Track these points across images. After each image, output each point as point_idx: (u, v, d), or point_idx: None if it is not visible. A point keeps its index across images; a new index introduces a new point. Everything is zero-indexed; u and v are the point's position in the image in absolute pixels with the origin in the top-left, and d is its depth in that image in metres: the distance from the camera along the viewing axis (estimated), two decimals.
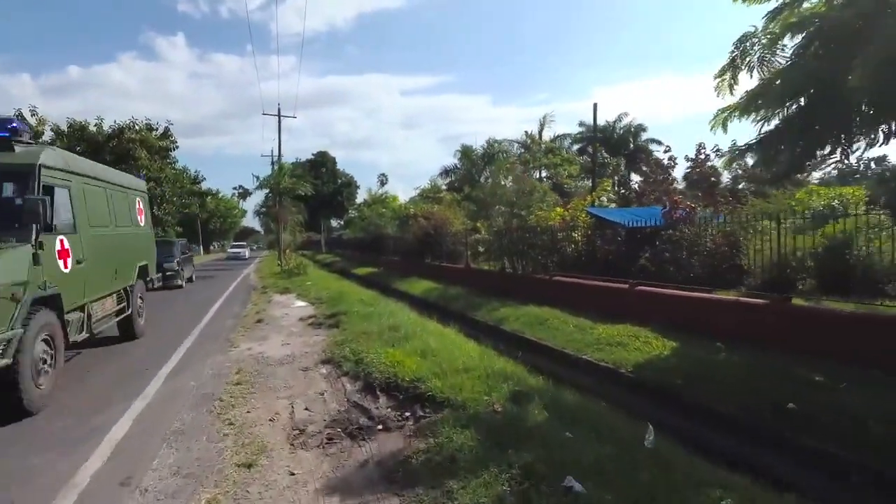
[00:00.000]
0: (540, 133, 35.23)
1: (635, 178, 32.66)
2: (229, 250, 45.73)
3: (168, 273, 15.10)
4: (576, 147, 36.49)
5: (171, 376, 5.41)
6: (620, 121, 37.76)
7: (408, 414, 4.30)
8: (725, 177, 19.56)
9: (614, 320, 8.32)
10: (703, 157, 19.78)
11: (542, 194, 13.79)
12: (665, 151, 19.33)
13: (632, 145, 37.31)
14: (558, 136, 35.72)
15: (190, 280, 18.14)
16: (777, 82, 6.48)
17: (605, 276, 11.00)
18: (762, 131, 6.58)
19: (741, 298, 7.15)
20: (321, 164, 61.93)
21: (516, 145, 30.92)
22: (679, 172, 18.58)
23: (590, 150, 29.87)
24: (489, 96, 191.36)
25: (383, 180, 52.11)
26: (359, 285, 17.20)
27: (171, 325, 8.99)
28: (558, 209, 12.55)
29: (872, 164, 31.62)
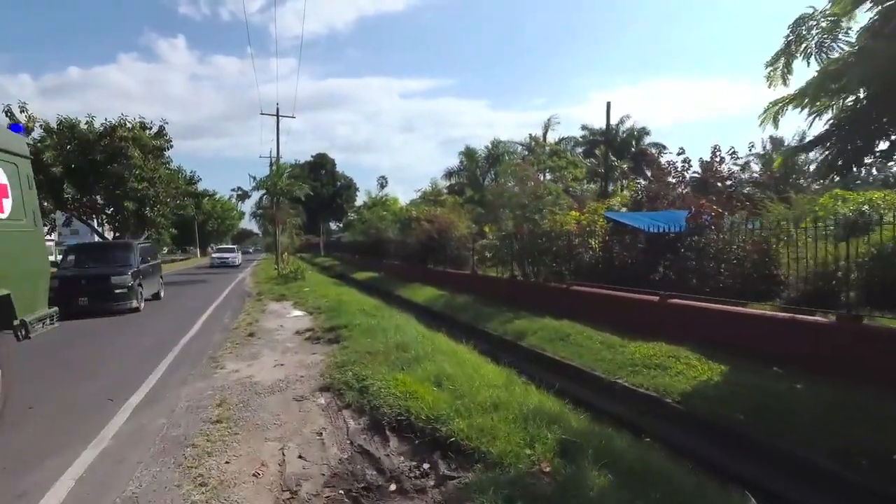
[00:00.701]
0: (544, 135, 34.48)
1: (642, 182, 31.94)
2: (213, 255, 34.75)
3: (117, 291, 10.93)
4: (579, 150, 35.77)
5: (139, 411, 4.52)
6: (623, 124, 37.01)
7: (427, 466, 3.43)
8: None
9: (644, 337, 7.48)
10: (718, 159, 19.07)
11: (555, 197, 12.93)
12: (678, 154, 18.57)
13: (633, 149, 36.62)
14: (563, 139, 34.98)
15: (156, 297, 13.24)
16: (840, 69, 5.66)
17: (622, 285, 10.19)
18: (829, 123, 5.76)
19: (798, 316, 6.30)
20: (320, 166, 61.11)
21: (520, 147, 30.13)
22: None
23: (597, 152, 29.11)
24: (487, 100, 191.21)
25: (383, 183, 51.29)
26: (359, 292, 16.33)
27: (150, 338, 8.11)
28: (573, 213, 11.72)
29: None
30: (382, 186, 49.34)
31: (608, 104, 16.75)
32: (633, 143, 37.31)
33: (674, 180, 17.17)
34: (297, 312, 10.63)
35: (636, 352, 6.92)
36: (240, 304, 12.32)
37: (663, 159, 35.59)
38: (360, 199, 55.68)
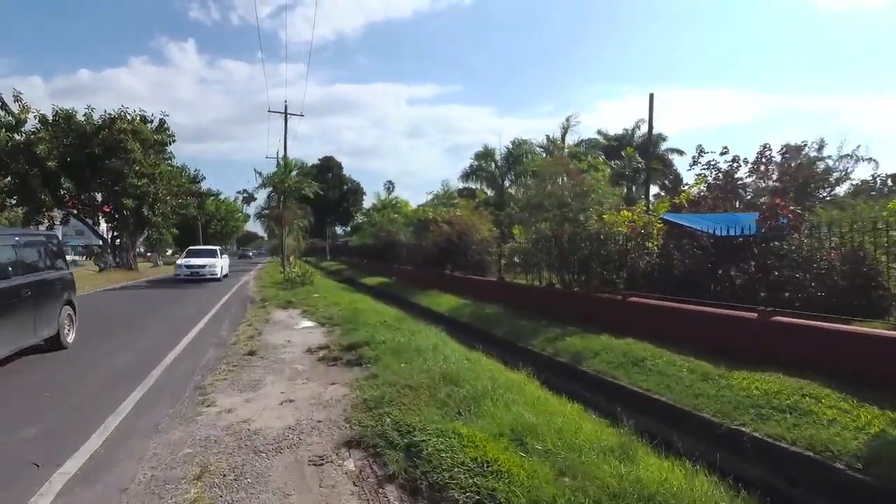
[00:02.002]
0: (563, 137, 32.95)
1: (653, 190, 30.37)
2: (179, 263, 22.04)
3: None
4: (599, 154, 34.27)
5: (75, 485, 2.97)
6: (639, 128, 35.57)
7: None
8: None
9: (743, 363, 5.91)
10: (765, 158, 17.42)
11: (599, 195, 11.36)
12: (721, 153, 17.00)
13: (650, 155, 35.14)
14: (583, 142, 33.42)
15: (53, 345, 6.61)
16: None
17: (681, 295, 8.70)
18: None
19: None
20: (327, 170, 59.81)
21: (537, 149, 28.59)
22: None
23: (623, 154, 27.60)
24: (493, 107, 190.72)
25: (390, 188, 49.88)
26: (373, 299, 14.78)
27: (125, 356, 6.57)
28: (625, 213, 10.15)
29: None
30: (389, 191, 47.97)
31: (651, 95, 15.24)
32: (651, 148, 35.92)
33: (722, 182, 15.66)
34: (307, 323, 9.09)
35: (747, 386, 5.33)
36: (241, 313, 10.78)
37: (680, 162, 34.07)
38: (368, 203, 54.36)
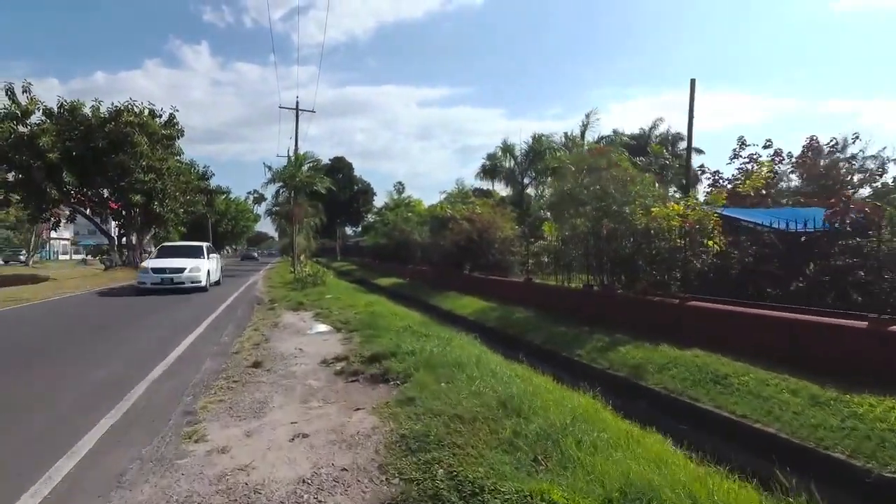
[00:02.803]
0: (582, 134, 31.70)
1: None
2: (146, 265, 15.36)
3: None
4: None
5: None
6: (656, 128, 34.29)
7: None
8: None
9: (851, 384, 4.80)
10: (811, 151, 16.14)
11: (644, 186, 10.23)
12: (765, 147, 15.78)
13: (669, 153, 33.86)
14: (603, 139, 32.15)
15: None
16: None
17: (736, 297, 7.61)
18: None
19: None
20: (337, 170, 58.92)
21: (554, 146, 27.39)
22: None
23: (649, 150, 26.37)
24: (503, 109, 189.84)
25: (400, 189, 48.91)
26: (389, 300, 13.73)
27: (106, 368, 5.55)
28: (675, 206, 9.00)
29: None
30: (399, 192, 47.01)
31: (692, 82, 13.98)
32: (668, 147, 34.66)
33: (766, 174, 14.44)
34: (321, 327, 8.03)
35: (883, 415, 4.17)
36: (247, 315, 9.76)
37: (699, 162, 32.75)
38: (378, 204, 53.46)
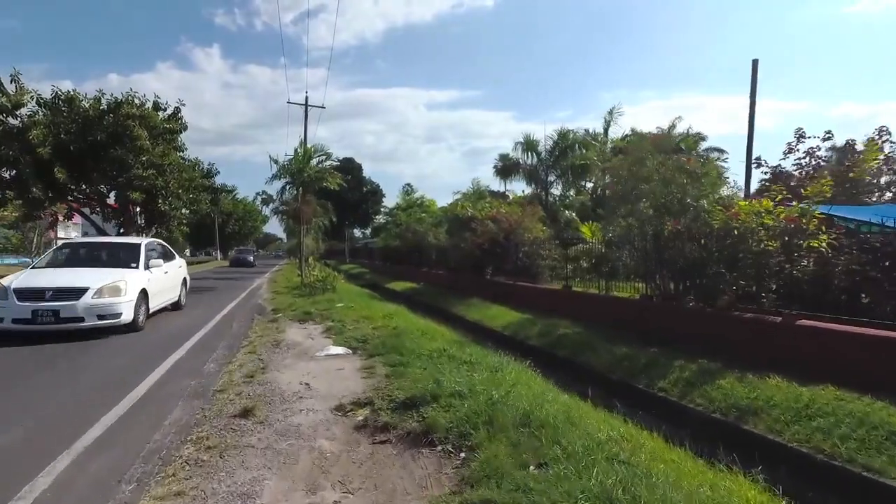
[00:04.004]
0: (605, 131, 30.01)
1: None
2: (8, 284, 7.40)
3: None
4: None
5: None
6: (674, 128, 32.47)
7: None
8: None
9: None
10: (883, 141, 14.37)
11: (713, 178, 8.61)
12: (825, 139, 14.08)
13: (691, 154, 32.05)
14: (627, 136, 30.43)
15: None
16: None
17: (836, 313, 6.00)
18: None
19: None
20: (347, 171, 57.41)
21: (583, 141, 25.67)
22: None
23: (682, 147, 24.62)
24: (512, 112, 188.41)
25: (409, 190, 47.46)
26: (408, 309, 12.15)
27: (22, 428, 3.99)
28: (765, 202, 7.35)
29: None
30: (408, 193, 45.56)
31: (754, 62, 12.33)
32: (689, 148, 32.92)
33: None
34: (333, 349, 6.46)
35: None
36: (244, 329, 8.20)
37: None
38: (389, 204, 52.05)
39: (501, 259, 15.36)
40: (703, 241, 8.13)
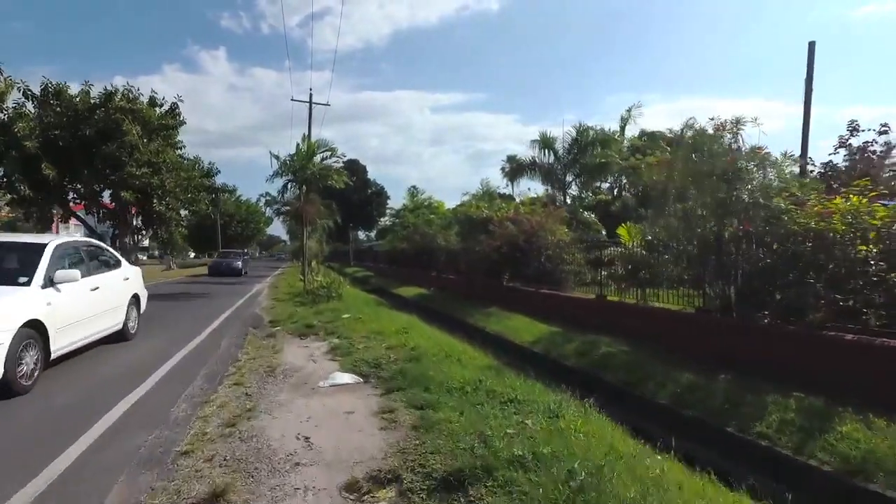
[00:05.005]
0: (622, 129, 28.74)
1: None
2: None
3: None
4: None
5: None
6: (691, 128, 31.12)
7: None
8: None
9: None
10: None
11: (781, 167, 7.35)
12: (881, 132, 12.84)
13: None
14: (647, 134, 29.13)
15: None
16: None
17: None
18: None
19: None
20: (351, 173, 56.40)
21: (603, 137, 24.35)
22: None
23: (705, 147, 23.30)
24: (517, 115, 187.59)
25: (414, 193, 46.27)
26: (421, 319, 10.90)
27: None
28: (855, 199, 6.10)
29: None
30: (413, 196, 44.41)
31: (811, 45, 11.07)
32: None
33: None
34: (340, 377, 5.22)
35: None
36: (234, 349, 6.94)
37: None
38: (397, 205, 50.86)
39: (521, 263, 14.10)
40: (775, 246, 6.87)
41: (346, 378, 5.28)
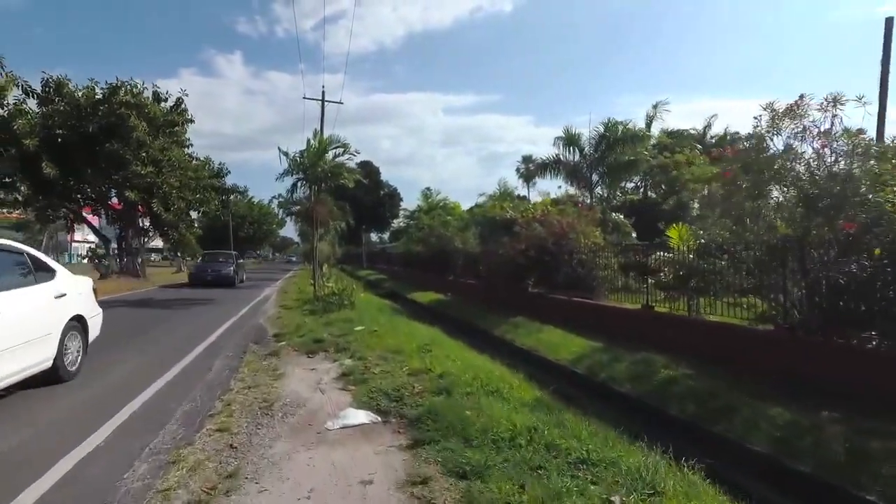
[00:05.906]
0: (648, 125, 27.37)
1: None
2: None
3: None
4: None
5: None
6: (710, 127, 29.67)
7: None
8: None
9: None
10: None
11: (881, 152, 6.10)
12: None
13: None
14: (675, 132, 27.76)
15: None
16: None
17: None
18: None
19: None
20: (364, 175, 55.74)
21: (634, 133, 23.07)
22: None
23: (729, 147, 21.95)
24: (531, 116, 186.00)
25: (428, 194, 45.27)
26: (443, 331, 9.80)
27: None
28: None
29: None
30: (427, 197, 43.42)
31: (888, 20, 9.78)
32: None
33: None
34: (354, 416, 4.14)
35: None
36: (226, 373, 5.88)
37: None
38: (405, 211, 49.97)
39: (549, 268, 12.94)
40: (877, 251, 5.64)
41: (361, 416, 4.19)
